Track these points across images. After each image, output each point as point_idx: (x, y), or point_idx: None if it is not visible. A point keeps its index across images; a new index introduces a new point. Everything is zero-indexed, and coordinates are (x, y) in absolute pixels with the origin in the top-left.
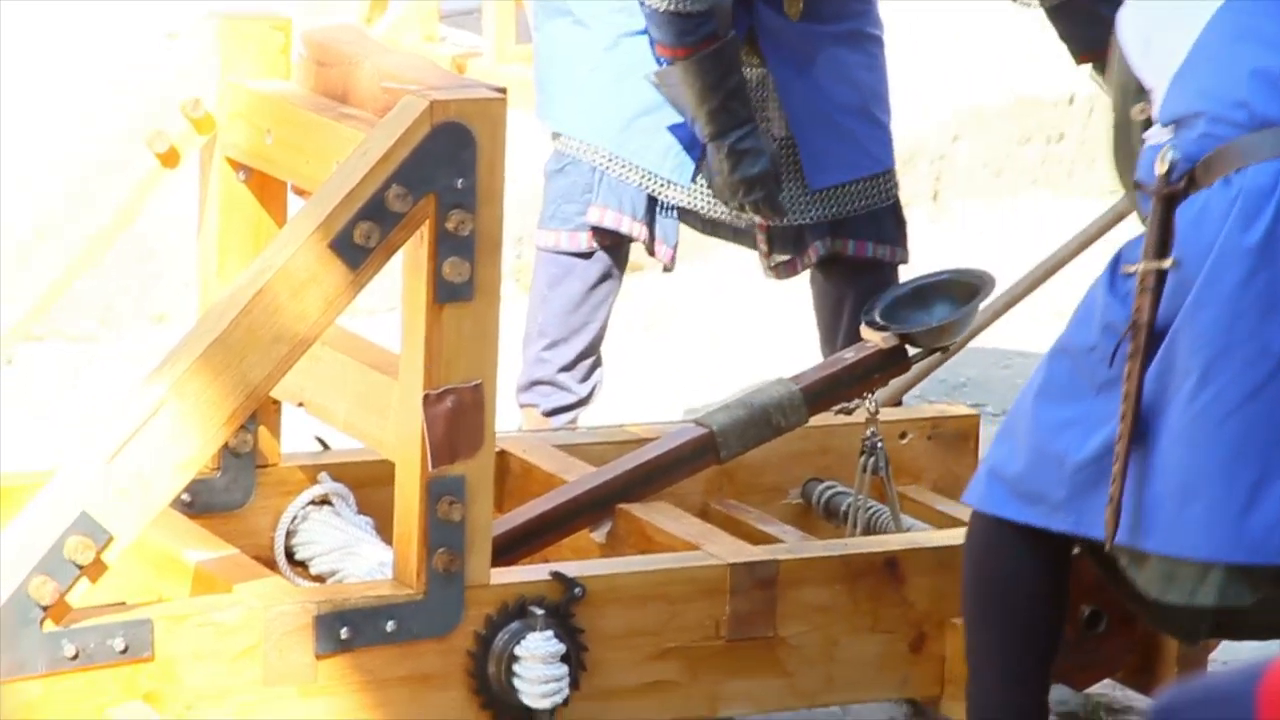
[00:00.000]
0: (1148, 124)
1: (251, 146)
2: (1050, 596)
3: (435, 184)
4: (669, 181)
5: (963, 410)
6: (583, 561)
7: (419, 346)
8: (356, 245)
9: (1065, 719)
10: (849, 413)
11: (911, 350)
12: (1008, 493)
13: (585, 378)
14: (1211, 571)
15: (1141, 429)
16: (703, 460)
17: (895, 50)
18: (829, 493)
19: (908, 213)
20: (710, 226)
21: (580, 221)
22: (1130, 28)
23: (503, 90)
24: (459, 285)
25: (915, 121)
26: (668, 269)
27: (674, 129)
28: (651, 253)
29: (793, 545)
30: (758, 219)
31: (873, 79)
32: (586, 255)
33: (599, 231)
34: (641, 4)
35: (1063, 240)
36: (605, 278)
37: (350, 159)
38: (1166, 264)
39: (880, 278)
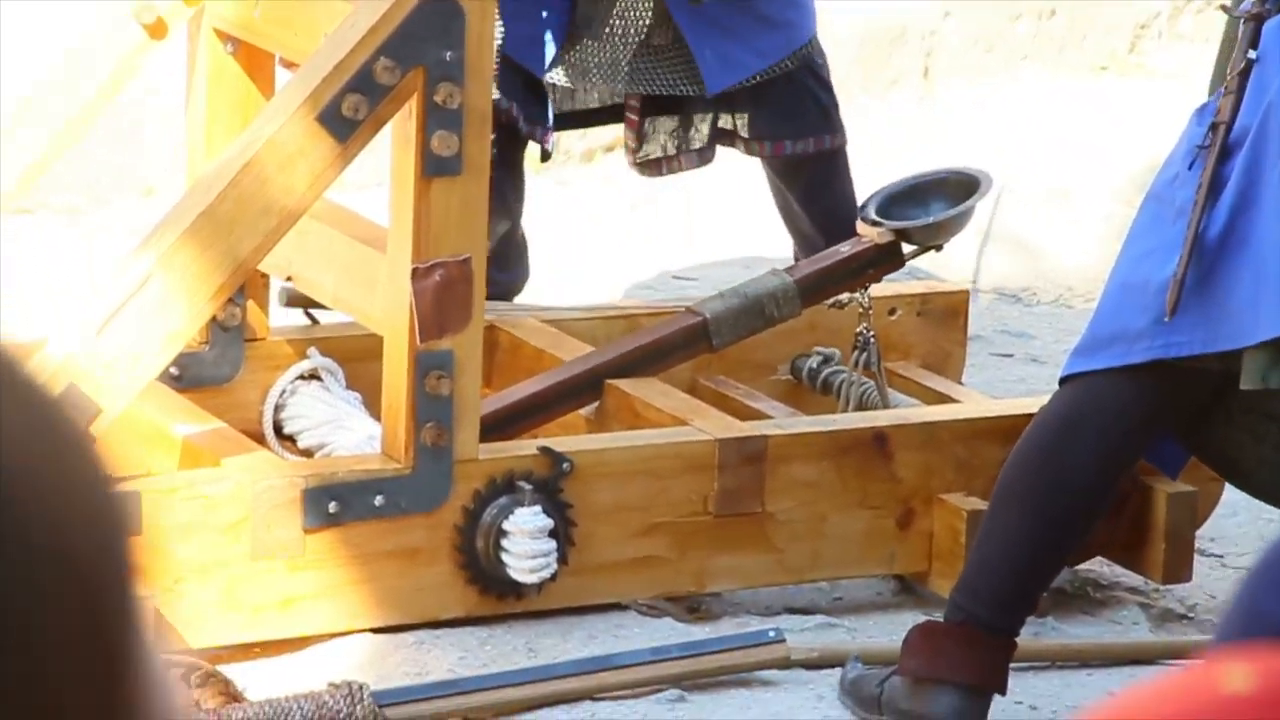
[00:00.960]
0: None
1: (239, 18)
2: (1108, 487)
3: (424, 57)
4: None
5: (952, 287)
6: (571, 437)
7: (407, 220)
8: (344, 118)
9: (1052, 595)
10: (841, 306)
11: (907, 247)
12: (1088, 346)
13: (506, 267)
14: None
15: (1227, 232)
16: (695, 347)
17: None
18: (818, 363)
19: (898, 90)
20: (578, 119)
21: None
22: None
23: None
24: (447, 159)
25: None
26: (546, 157)
27: (534, 18)
28: (534, 139)
29: (781, 421)
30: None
31: None
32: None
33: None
34: None
35: (1051, 117)
36: (503, 161)
37: (338, 31)
38: (1251, 56)
39: (818, 168)
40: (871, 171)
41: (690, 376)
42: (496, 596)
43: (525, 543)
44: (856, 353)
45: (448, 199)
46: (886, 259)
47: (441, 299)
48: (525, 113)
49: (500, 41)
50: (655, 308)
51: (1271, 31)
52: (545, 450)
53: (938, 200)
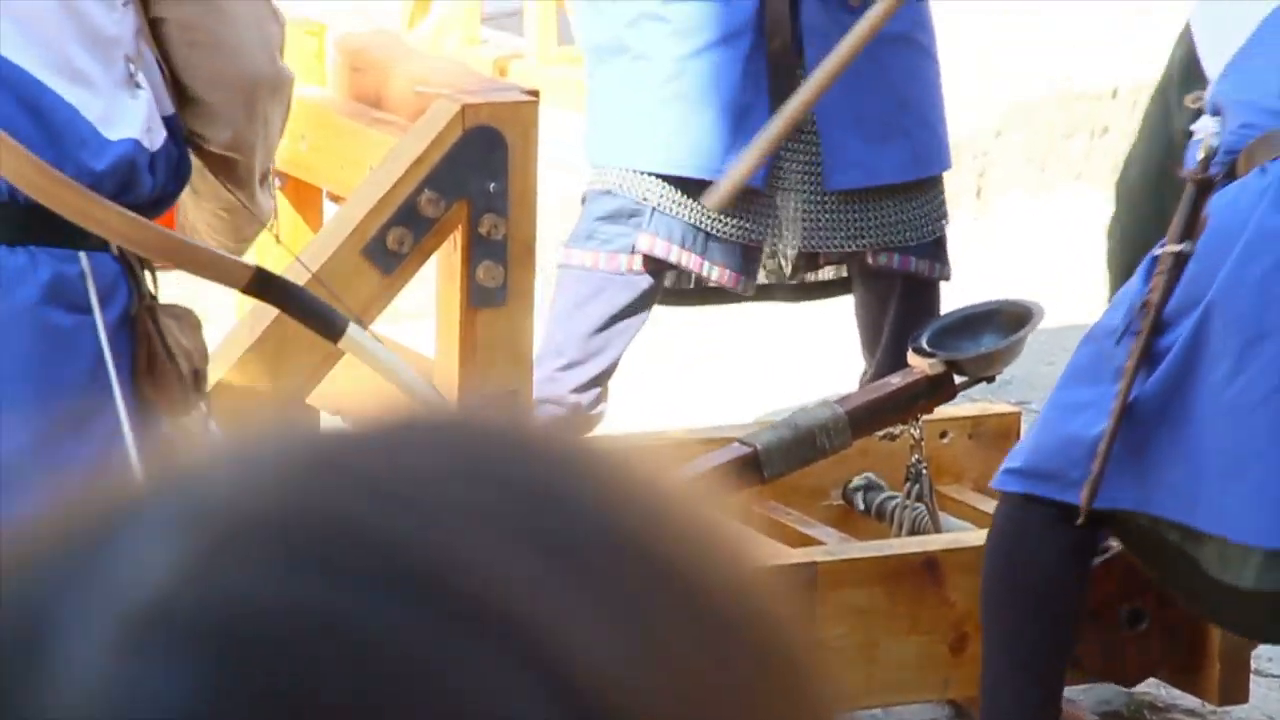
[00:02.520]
0: (1197, 115)
1: (287, 153)
2: (1066, 587)
3: (467, 189)
4: (739, 215)
5: (1005, 408)
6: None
7: (453, 352)
8: (390, 251)
9: (1109, 718)
10: (893, 438)
11: (958, 378)
12: (1029, 472)
13: (595, 403)
14: (1252, 555)
15: (1159, 409)
16: (746, 479)
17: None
18: (869, 489)
19: (951, 211)
20: (687, 296)
21: (623, 244)
22: (1202, 18)
23: (534, 93)
24: (492, 290)
25: (958, 116)
26: (742, 295)
27: (750, 137)
28: (709, 279)
29: (832, 547)
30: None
31: (916, 88)
32: (620, 277)
33: (644, 258)
34: None
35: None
36: (637, 307)
37: (383, 164)
38: (1183, 248)
39: (922, 293)
40: None
41: (743, 504)
42: None
43: None
44: (909, 484)
45: (493, 330)
46: (938, 390)
47: None
48: (700, 257)
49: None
50: (707, 435)
51: (1219, 217)
52: None
53: (989, 331)
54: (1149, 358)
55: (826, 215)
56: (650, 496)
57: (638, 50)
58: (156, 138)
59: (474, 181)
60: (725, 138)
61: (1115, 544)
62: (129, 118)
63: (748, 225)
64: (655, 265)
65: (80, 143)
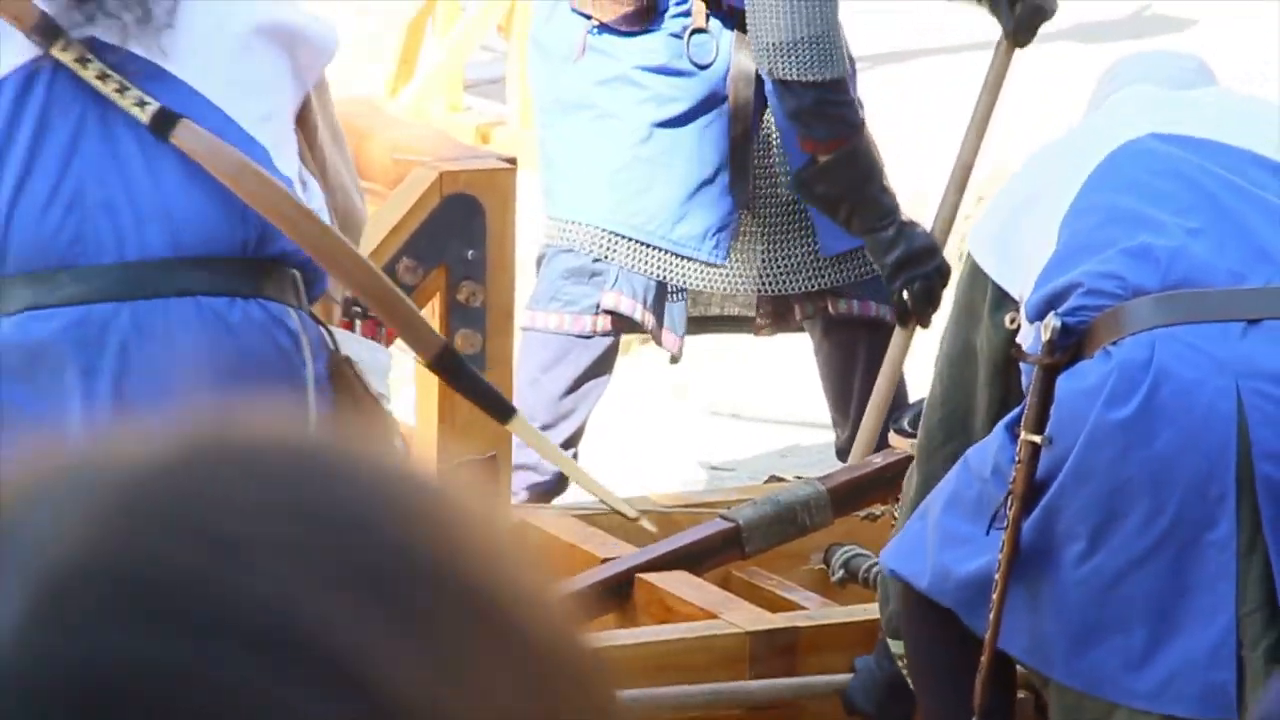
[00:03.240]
0: (1014, 334)
1: None
2: (969, 663)
3: (445, 255)
4: (699, 263)
5: None
6: (602, 632)
7: (432, 419)
8: (369, 318)
9: None
10: (874, 519)
11: None
12: (913, 575)
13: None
14: (1116, 712)
15: (1032, 571)
16: (727, 554)
17: (917, 112)
18: (850, 556)
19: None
20: (701, 324)
21: (587, 305)
22: (984, 248)
23: (512, 160)
24: (471, 357)
25: (938, 182)
26: (675, 360)
27: (714, 210)
28: (659, 342)
29: (813, 612)
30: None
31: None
32: (585, 339)
33: (608, 316)
34: (792, 94)
35: None
36: (601, 367)
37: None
38: (1039, 440)
39: (886, 338)
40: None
41: (723, 568)
42: None
43: None
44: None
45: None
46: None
47: None
48: (657, 318)
49: (662, 243)
50: (688, 503)
51: (1064, 405)
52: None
53: None
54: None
55: (786, 261)
56: (455, 521)
57: (605, 109)
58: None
59: (452, 248)
60: (683, 206)
61: None
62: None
63: (707, 277)
64: (618, 324)
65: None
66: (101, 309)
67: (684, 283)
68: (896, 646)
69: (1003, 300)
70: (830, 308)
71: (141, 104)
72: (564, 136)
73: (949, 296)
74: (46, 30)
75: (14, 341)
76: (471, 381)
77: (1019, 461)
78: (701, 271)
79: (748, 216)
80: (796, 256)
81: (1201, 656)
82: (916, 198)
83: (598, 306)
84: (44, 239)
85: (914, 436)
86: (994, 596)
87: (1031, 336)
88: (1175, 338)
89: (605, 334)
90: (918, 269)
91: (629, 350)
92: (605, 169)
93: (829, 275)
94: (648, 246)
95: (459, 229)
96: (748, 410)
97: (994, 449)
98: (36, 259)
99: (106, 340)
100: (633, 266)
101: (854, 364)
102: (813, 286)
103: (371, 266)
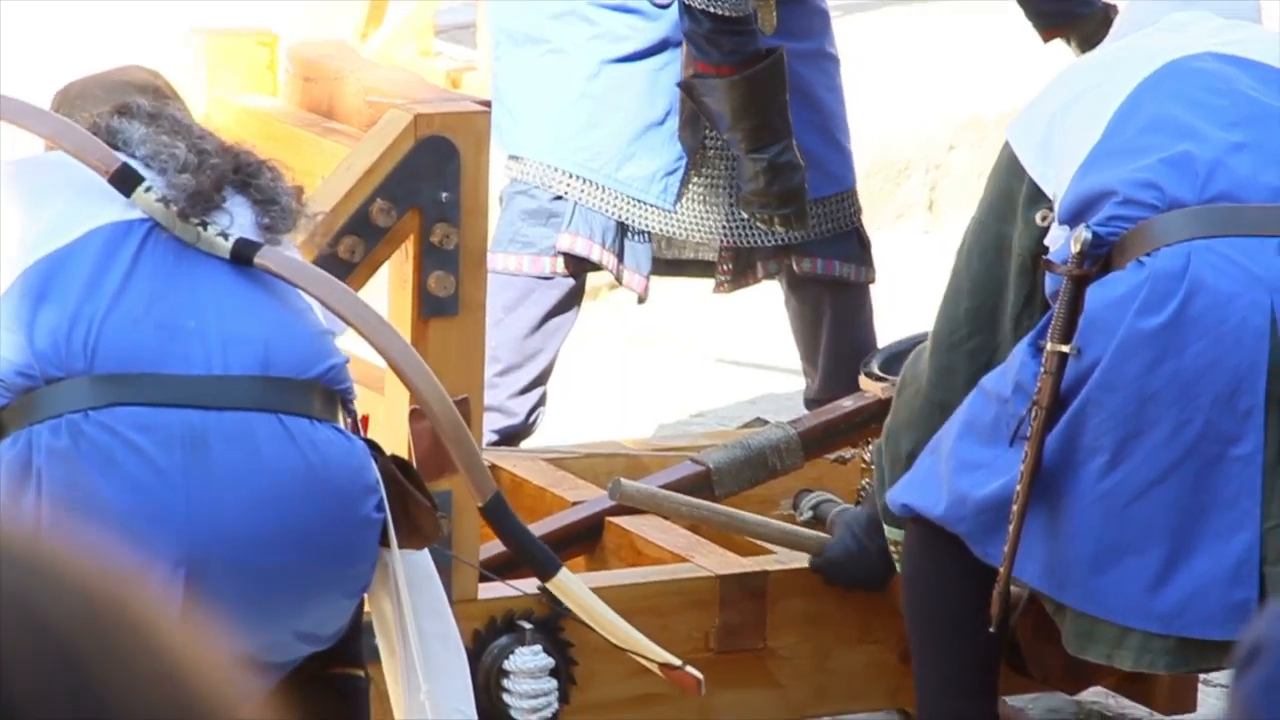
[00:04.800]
0: (1045, 233)
1: None
2: (976, 601)
3: (420, 198)
4: (651, 206)
5: None
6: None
7: None
8: (341, 260)
9: None
10: (844, 462)
11: None
12: (932, 496)
13: (535, 405)
14: (1130, 635)
15: (1051, 489)
16: (697, 497)
17: (892, 60)
18: (818, 502)
19: (903, 224)
20: (670, 266)
21: (545, 246)
22: (1024, 141)
23: (487, 103)
24: (444, 299)
25: (911, 132)
26: (642, 299)
27: (660, 154)
28: (620, 281)
29: (782, 556)
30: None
31: (832, 99)
32: (547, 279)
33: (565, 258)
34: (692, 19)
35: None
36: (566, 305)
37: (335, 174)
38: (1067, 349)
39: (851, 296)
40: (876, 302)
41: None
42: None
43: (526, 683)
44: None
45: (445, 339)
46: (888, 413)
47: (439, 440)
48: (618, 258)
49: (614, 184)
50: (659, 448)
51: (1094, 315)
52: (545, 589)
53: None
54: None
55: (747, 218)
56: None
57: (557, 44)
58: None
59: (426, 191)
60: (630, 146)
61: None
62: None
63: (665, 222)
64: (577, 264)
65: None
66: (186, 413)
67: (643, 225)
68: (893, 533)
69: (1038, 197)
70: (794, 265)
71: (224, 235)
72: (514, 70)
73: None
74: (126, 178)
75: (94, 435)
76: (518, 533)
77: (1045, 372)
78: (658, 215)
79: (707, 166)
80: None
81: (1223, 574)
82: (881, 145)
83: (555, 247)
84: (135, 347)
85: (884, 380)
86: (1014, 509)
87: (1060, 242)
88: (1211, 250)
89: (566, 275)
90: (776, 209)
91: (598, 295)
92: (553, 105)
93: (789, 232)
94: (600, 185)
95: (433, 171)
96: (720, 355)
97: (1015, 368)
98: (126, 363)
99: (190, 441)
100: (590, 204)
101: (820, 320)
102: (772, 242)
103: (446, 397)
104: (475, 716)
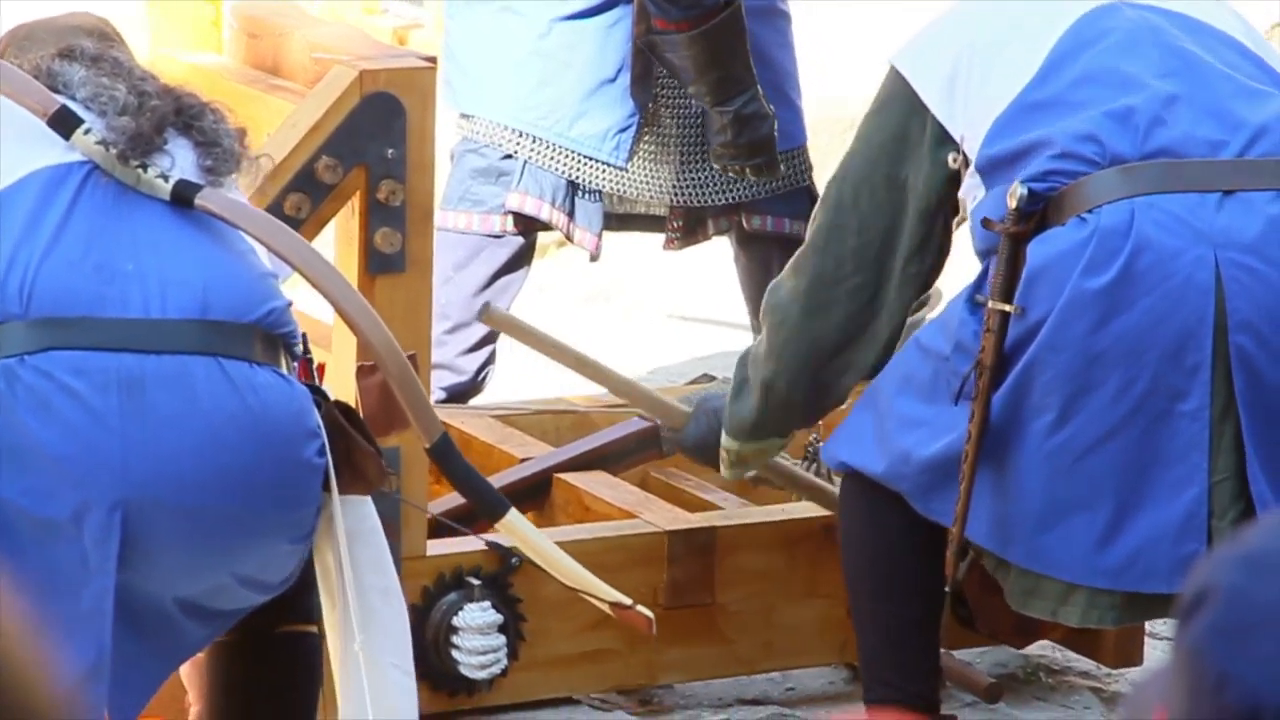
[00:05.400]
0: (954, 178)
1: None
2: (916, 556)
3: (365, 155)
4: (603, 164)
5: None
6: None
7: None
8: (288, 217)
9: (1005, 680)
10: None
11: None
12: (862, 449)
13: (484, 364)
14: (1076, 592)
15: (998, 448)
16: (646, 453)
17: (828, 18)
18: None
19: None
20: (622, 221)
21: (495, 204)
22: (925, 77)
23: (432, 60)
24: (391, 256)
25: (849, 90)
26: (594, 258)
27: (611, 112)
28: (571, 239)
29: (730, 512)
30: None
31: (783, 56)
32: (497, 238)
33: (515, 216)
34: None
35: None
36: (516, 263)
37: (280, 130)
38: (1010, 309)
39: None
40: None
41: (641, 469)
42: (447, 693)
43: (475, 639)
44: (806, 463)
45: (392, 296)
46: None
47: (387, 397)
48: (569, 216)
49: (567, 142)
50: (607, 404)
51: (1037, 274)
52: (494, 545)
53: None
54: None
55: (698, 174)
56: None
57: (508, 1)
58: None
59: (372, 147)
60: (582, 104)
61: None
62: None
63: (616, 180)
64: (527, 223)
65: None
66: (122, 357)
67: (593, 183)
68: (729, 443)
69: (945, 139)
70: (744, 222)
71: (164, 177)
72: (466, 28)
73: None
74: (65, 120)
75: (29, 380)
76: (466, 473)
77: (987, 330)
78: (610, 173)
79: (658, 124)
80: (708, 169)
81: (1171, 529)
82: (828, 102)
83: (505, 206)
84: (71, 291)
85: None
86: (964, 468)
87: (977, 192)
88: (1154, 205)
89: (516, 234)
90: (746, 160)
91: (547, 253)
92: (505, 63)
93: (740, 190)
94: (551, 144)
95: (379, 128)
96: (671, 312)
97: (954, 325)
98: (62, 307)
99: (126, 385)
100: (540, 163)
101: (769, 277)
102: (723, 200)
103: (389, 335)
104: (412, 671)
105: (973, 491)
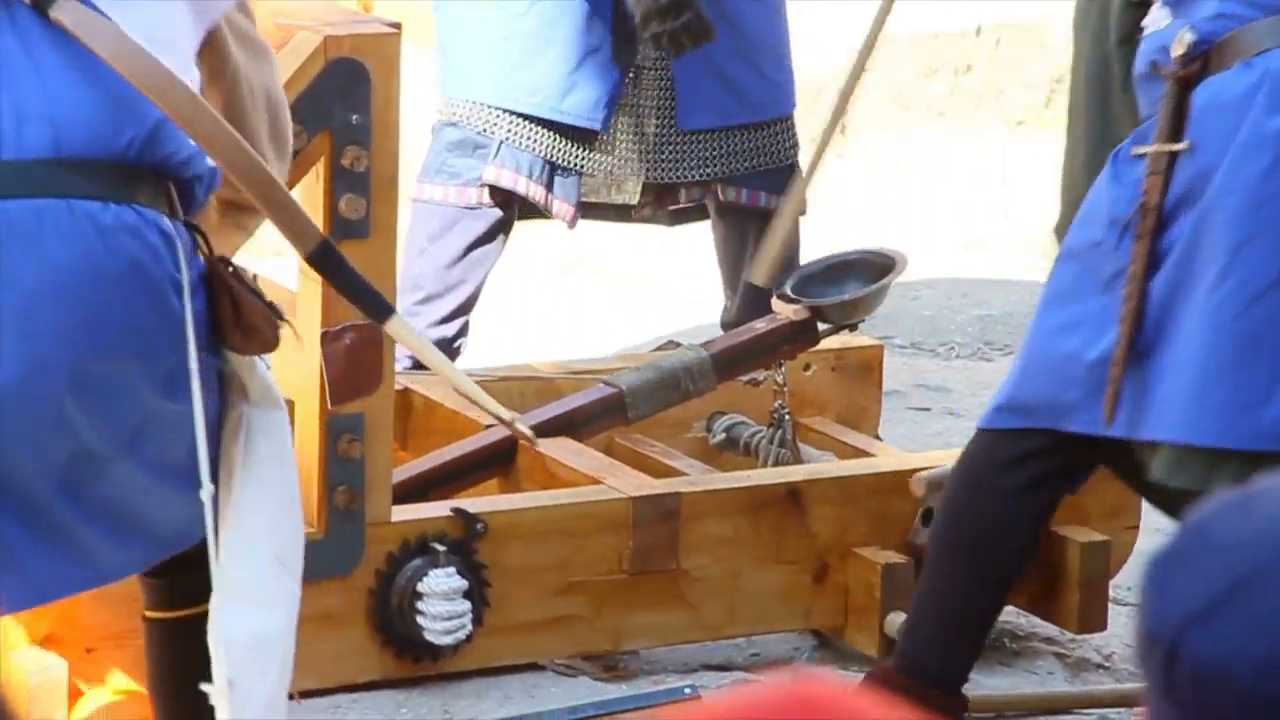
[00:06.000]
0: (1137, 10)
1: None
2: (1024, 523)
3: (330, 120)
4: (581, 141)
5: (867, 341)
6: (484, 497)
7: (316, 284)
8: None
9: None
10: (757, 384)
11: (822, 325)
12: (1015, 406)
13: (456, 335)
14: (1229, 460)
15: (1157, 321)
16: (610, 419)
17: None
18: (731, 424)
19: (813, 148)
20: (590, 210)
21: (472, 177)
22: None
23: (397, 25)
24: (355, 222)
25: (821, 56)
26: (571, 226)
27: (600, 81)
28: (550, 212)
29: (695, 478)
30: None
31: (763, 27)
32: (473, 210)
33: (492, 190)
34: None
35: (967, 171)
36: (490, 235)
37: None
38: (1180, 146)
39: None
40: None
41: (607, 435)
42: (412, 659)
43: (440, 604)
44: (772, 430)
45: (356, 262)
46: (801, 336)
47: (352, 362)
48: (546, 189)
49: (549, 113)
50: (572, 371)
51: (1210, 116)
52: (458, 512)
53: (853, 279)
54: (1146, 271)
55: (674, 149)
56: None
57: None
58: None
59: (337, 113)
60: (566, 79)
61: None
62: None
63: (594, 158)
64: (504, 197)
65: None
66: None
67: (568, 161)
68: None
69: None
70: (719, 194)
71: None
72: (453, 18)
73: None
74: None
75: None
76: (349, 278)
77: (1152, 173)
78: (586, 152)
79: (638, 96)
80: (685, 144)
81: None
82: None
83: (481, 179)
84: None
85: (796, 302)
86: (1124, 309)
87: (1161, 22)
88: None
89: (491, 206)
90: (673, 22)
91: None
92: (487, 44)
93: (716, 165)
94: (532, 121)
95: (344, 94)
96: (640, 286)
97: (1103, 203)
98: None
99: None
100: (517, 143)
101: (744, 249)
102: (697, 176)
103: (248, 149)
104: (298, 575)
105: (1127, 376)
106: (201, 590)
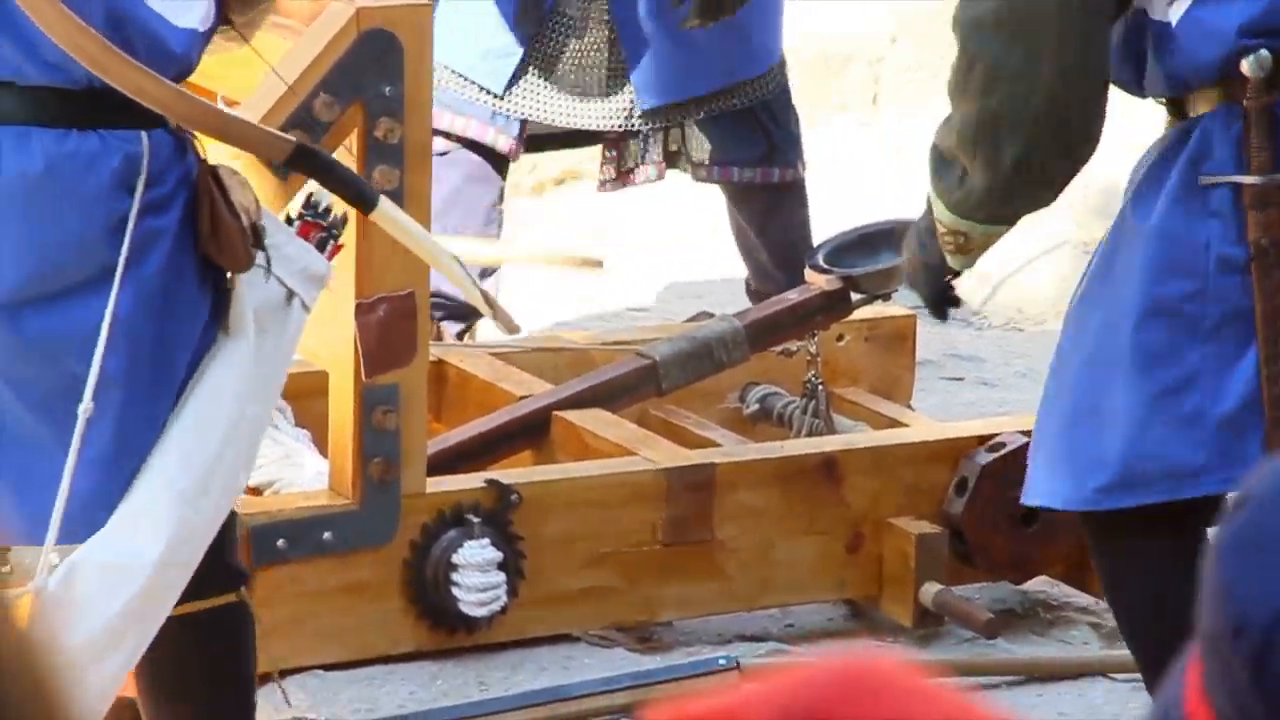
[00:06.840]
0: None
1: None
2: (1190, 586)
3: (363, 92)
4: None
5: (900, 311)
6: (519, 469)
7: (350, 255)
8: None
9: (1003, 616)
10: (790, 354)
11: (855, 295)
12: (1131, 481)
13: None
14: None
15: None
16: (644, 390)
17: None
18: (764, 395)
19: (844, 117)
20: (540, 140)
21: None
22: None
23: None
24: (389, 193)
25: (852, 24)
26: (512, 159)
27: (494, 38)
28: (495, 148)
29: (729, 449)
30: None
31: None
32: (440, 156)
33: (445, 136)
34: None
35: None
36: (468, 179)
37: (278, 67)
38: None
39: (768, 200)
40: (818, 195)
41: (640, 406)
42: (447, 631)
43: (474, 576)
44: (805, 400)
45: (389, 233)
46: (834, 306)
47: (386, 334)
48: (492, 125)
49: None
50: (605, 342)
51: None
52: (493, 483)
53: (886, 250)
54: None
55: (619, 101)
56: None
57: None
58: (209, 16)
59: (369, 85)
60: (473, 39)
61: (1007, 441)
62: (193, 9)
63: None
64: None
65: (155, 40)
66: None
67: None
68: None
69: None
70: (691, 174)
71: None
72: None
73: None
74: None
75: None
76: (332, 172)
77: (1250, 208)
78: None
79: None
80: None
81: None
82: (822, 37)
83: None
84: None
85: (829, 273)
86: (1264, 355)
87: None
88: None
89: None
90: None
91: (544, 191)
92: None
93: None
94: (463, 78)
95: (376, 65)
96: (668, 249)
97: (1194, 249)
98: None
99: None
100: (458, 92)
101: (749, 221)
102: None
103: (181, 91)
104: (207, 503)
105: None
106: (192, 589)
